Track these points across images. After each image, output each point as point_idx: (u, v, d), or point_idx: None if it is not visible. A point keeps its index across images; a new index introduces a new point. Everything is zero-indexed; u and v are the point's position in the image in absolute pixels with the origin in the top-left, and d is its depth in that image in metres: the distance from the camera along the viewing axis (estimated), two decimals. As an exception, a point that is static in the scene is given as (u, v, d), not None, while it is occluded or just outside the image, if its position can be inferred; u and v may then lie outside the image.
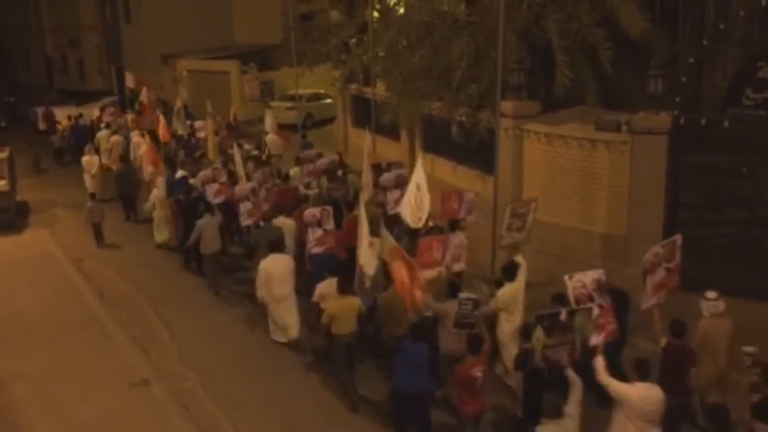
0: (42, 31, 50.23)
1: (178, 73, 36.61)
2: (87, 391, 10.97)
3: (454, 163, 16.73)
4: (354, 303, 10.12)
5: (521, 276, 10.28)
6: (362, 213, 10.22)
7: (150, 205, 17.23)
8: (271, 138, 21.76)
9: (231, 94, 33.37)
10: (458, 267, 10.92)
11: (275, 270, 11.70)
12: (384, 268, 10.02)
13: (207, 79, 34.53)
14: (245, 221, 14.41)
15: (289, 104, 29.19)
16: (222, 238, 15.02)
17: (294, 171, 17.57)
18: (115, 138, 23.32)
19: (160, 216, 16.94)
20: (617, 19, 13.87)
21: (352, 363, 10.57)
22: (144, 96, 26.37)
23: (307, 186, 16.14)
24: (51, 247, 17.94)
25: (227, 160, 18.46)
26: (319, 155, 17.26)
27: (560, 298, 8.83)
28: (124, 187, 19.61)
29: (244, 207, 14.23)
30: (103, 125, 25.50)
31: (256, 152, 20.32)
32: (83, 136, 25.42)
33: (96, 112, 28.44)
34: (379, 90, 18.48)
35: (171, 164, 19.48)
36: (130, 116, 26.24)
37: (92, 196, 18.40)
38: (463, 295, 9.46)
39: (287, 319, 11.88)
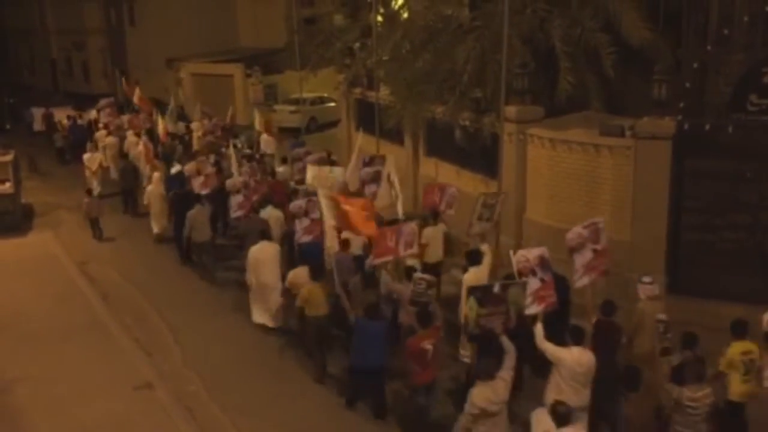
0: (47, 33, 50.38)
1: (178, 76, 36.77)
2: (90, 394, 10.98)
3: (458, 168, 16.73)
4: (325, 288, 10.96)
5: (486, 262, 11.03)
6: (322, 201, 11.71)
7: (145, 199, 18.08)
8: (265, 138, 22.45)
9: (235, 97, 33.43)
10: (409, 252, 11.44)
11: (263, 256, 12.41)
12: None
13: (211, 83, 34.62)
14: (235, 213, 15.13)
15: (292, 108, 29.25)
16: (213, 228, 15.78)
17: (281, 169, 18.30)
18: (110, 139, 23.95)
19: (156, 210, 17.75)
20: (620, 25, 13.89)
21: (323, 341, 11.07)
22: (137, 97, 27.28)
23: (299, 182, 16.66)
24: (55, 250, 17.98)
25: (221, 157, 19.32)
26: (308, 153, 18.33)
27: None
28: (126, 183, 20.60)
29: (235, 200, 15.06)
30: (101, 125, 26.02)
31: (248, 151, 20.94)
32: (83, 136, 25.90)
33: (93, 113, 28.89)
34: (383, 94, 18.50)
35: (168, 162, 20.31)
36: (126, 117, 26.82)
37: (89, 192, 18.88)
38: (417, 275, 10.48)
39: (271, 305, 12.55)
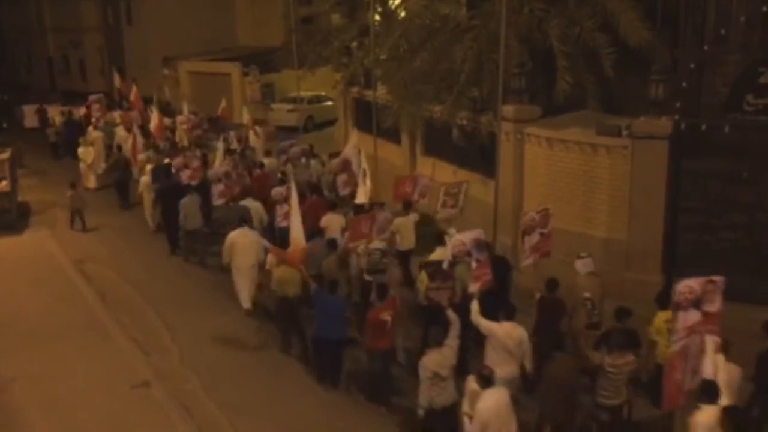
0: (44, 32, 50.25)
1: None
2: (88, 392, 10.99)
3: (455, 167, 16.74)
4: (298, 270, 11.52)
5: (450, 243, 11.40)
6: (293, 190, 12.61)
7: (140, 189, 18.83)
8: (262, 130, 23.24)
9: (232, 95, 33.41)
10: (383, 237, 12.23)
11: (241, 241, 13.15)
12: None
13: (208, 81, 34.58)
14: (217, 201, 16.11)
15: (290, 106, 29.26)
16: (204, 219, 16.39)
17: (267, 161, 19.03)
18: (95, 133, 24.46)
19: (148, 200, 18.40)
20: (618, 25, 13.91)
21: (294, 319, 11.67)
22: (133, 94, 27.79)
23: (284, 173, 17.23)
24: (52, 248, 17.95)
25: (208, 150, 20.25)
26: (292, 145, 19.37)
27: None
28: (118, 176, 21.27)
29: (216, 188, 16.05)
30: (93, 120, 26.53)
31: (236, 146, 21.41)
32: (75, 131, 26.44)
33: (83, 109, 29.24)
34: (381, 93, 18.51)
35: (161, 155, 20.86)
36: (117, 113, 27.30)
37: (72, 185, 19.35)
38: (371, 245, 11.39)
39: (244, 290, 13.31)
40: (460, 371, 9.00)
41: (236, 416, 10.19)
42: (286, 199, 13.59)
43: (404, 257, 13.34)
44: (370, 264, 11.25)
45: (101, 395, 10.88)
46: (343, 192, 16.08)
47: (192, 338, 12.62)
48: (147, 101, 27.40)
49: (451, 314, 9.07)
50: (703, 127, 11.83)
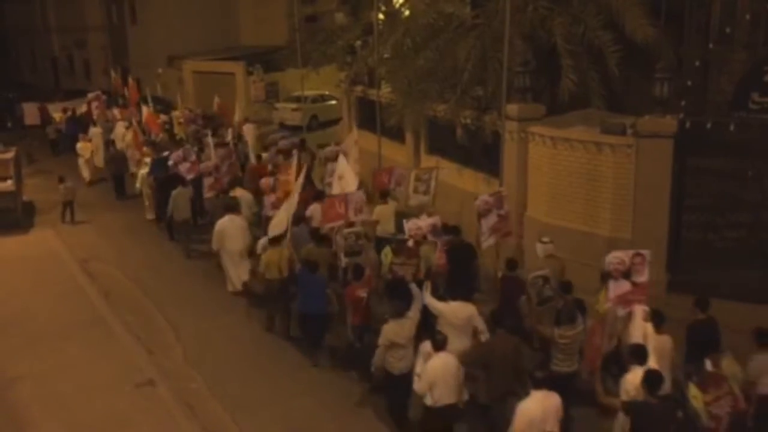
0: (48, 31, 50.39)
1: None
2: (92, 391, 11.01)
3: (459, 166, 16.72)
4: (283, 253, 12.19)
5: (406, 225, 12.13)
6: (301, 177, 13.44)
7: (138, 182, 19.89)
8: (247, 127, 23.63)
9: (236, 95, 33.45)
10: (359, 218, 12.77)
11: (229, 227, 13.85)
12: None
13: (212, 80, 34.60)
14: (207, 193, 16.83)
15: (294, 105, 29.28)
16: (192, 210, 17.23)
17: (265, 155, 20.02)
18: (94, 129, 25.64)
19: (147, 191, 19.33)
20: (622, 23, 13.87)
21: (281, 300, 12.27)
22: (128, 92, 29.23)
23: (275, 165, 17.94)
24: (56, 247, 18.01)
25: (203, 146, 20.65)
26: (283, 138, 20.78)
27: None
28: (116, 169, 22.33)
29: (207, 181, 16.79)
30: (95, 117, 27.81)
31: (228, 140, 22.07)
32: (77, 127, 27.28)
33: (84, 107, 30.23)
34: (385, 92, 18.49)
35: (158, 148, 21.87)
36: (117, 110, 28.41)
37: (60, 180, 20.19)
38: (346, 230, 11.91)
39: (231, 272, 14.07)
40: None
41: (240, 414, 10.21)
42: (273, 190, 14.53)
43: (384, 243, 13.25)
44: (347, 247, 11.76)
45: (105, 394, 10.90)
46: (329, 179, 16.47)
47: (196, 337, 12.64)
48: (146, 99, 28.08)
49: (414, 289, 9.69)
50: (708, 126, 11.80)
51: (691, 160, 12.24)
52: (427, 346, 8.73)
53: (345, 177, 13.82)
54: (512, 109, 14.04)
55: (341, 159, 14.62)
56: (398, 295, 9.78)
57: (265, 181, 15.88)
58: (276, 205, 14.07)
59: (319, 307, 11.25)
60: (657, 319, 8.66)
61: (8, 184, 19.41)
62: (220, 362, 11.74)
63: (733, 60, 12.86)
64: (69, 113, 30.02)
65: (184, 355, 12.09)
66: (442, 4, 16.95)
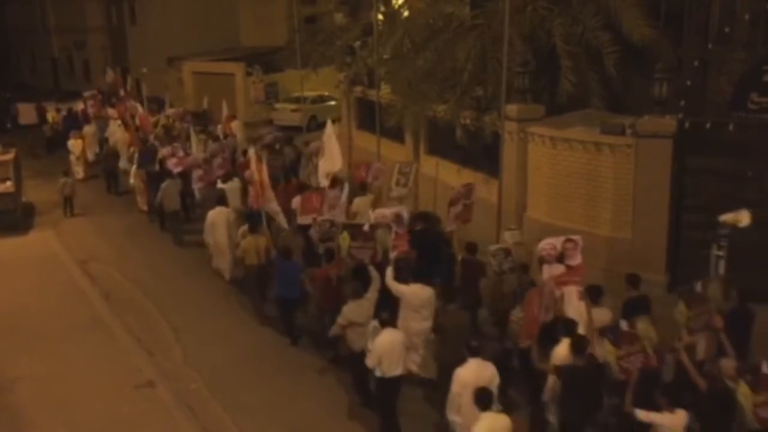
0: (48, 32, 50.36)
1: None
2: (92, 392, 11.01)
3: (459, 166, 16.72)
4: (261, 240, 12.94)
5: (372, 214, 12.85)
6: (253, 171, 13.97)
7: (131, 177, 20.53)
8: (235, 124, 24.55)
9: (236, 95, 33.44)
10: (332, 213, 13.28)
11: (218, 218, 14.43)
12: None
13: (212, 81, 34.60)
14: (196, 185, 17.53)
15: (293, 106, 29.26)
16: (183, 201, 18.13)
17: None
18: (88, 128, 26.62)
19: (138, 185, 20.09)
20: (621, 24, 13.88)
21: (261, 286, 13.09)
22: (122, 91, 30.26)
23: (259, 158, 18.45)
24: (56, 248, 18.00)
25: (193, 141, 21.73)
26: (269, 133, 21.72)
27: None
28: (108, 166, 23.14)
29: (196, 173, 17.54)
30: (91, 115, 28.64)
31: (218, 135, 23.28)
32: (72, 126, 27.84)
33: (80, 105, 31.16)
34: (384, 92, 18.50)
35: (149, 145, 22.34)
36: (110, 109, 29.09)
37: (65, 173, 21.07)
38: (319, 218, 12.64)
39: (222, 263, 14.66)
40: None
41: (241, 416, 10.20)
42: (251, 183, 14.88)
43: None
44: (321, 233, 12.29)
45: (105, 395, 10.90)
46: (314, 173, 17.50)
47: (196, 338, 12.64)
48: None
49: (373, 271, 10.44)
50: (708, 126, 11.82)
51: (691, 160, 12.26)
52: (374, 323, 9.43)
53: (331, 152, 15.43)
54: (512, 109, 14.05)
55: (328, 129, 16.24)
56: (359, 277, 10.50)
57: (249, 174, 16.08)
58: (255, 200, 14.37)
59: (293, 291, 11.91)
60: (594, 293, 9.25)
61: (8, 186, 19.40)
62: (220, 363, 11.73)
63: (733, 60, 12.86)
64: (64, 112, 30.90)
65: (184, 356, 12.09)
66: (441, 5, 16.98)
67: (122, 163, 22.96)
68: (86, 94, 30.60)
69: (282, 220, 14.04)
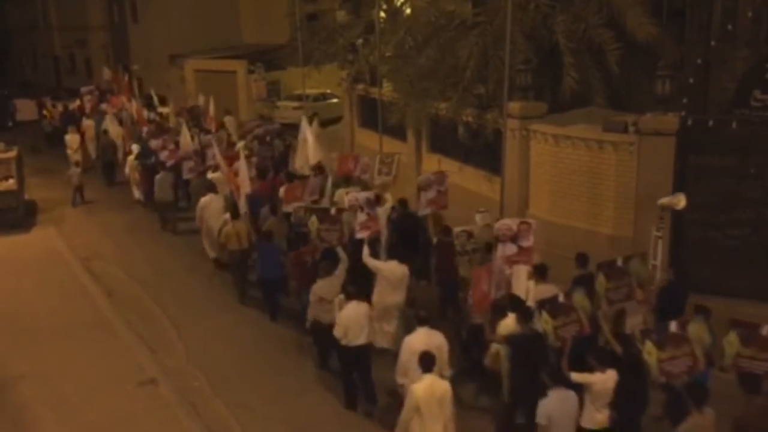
0: (50, 30, 50.36)
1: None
2: (94, 390, 11.02)
3: (461, 164, 16.74)
4: (242, 227, 13.77)
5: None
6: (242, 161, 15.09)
7: (127, 169, 21.28)
8: (228, 119, 24.71)
9: (238, 93, 33.40)
10: (313, 197, 14.24)
11: (210, 206, 15.28)
12: None
13: (214, 79, 34.58)
14: (186, 175, 18.26)
15: (295, 104, 29.23)
16: (175, 193, 18.65)
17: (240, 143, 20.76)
18: (87, 122, 27.10)
19: (134, 177, 20.69)
20: (624, 21, 13.87)
21: (243, 270, 13.98)
22: (116, 88, 30.80)
23: (250, 150, 19.10)
24: (58, 246, 18.00)
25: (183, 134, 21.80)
26: (258, 126, 22.46)
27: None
28: (106, 157, 23.89)
29: (187, 165, 18.16)
30: (87, 111, 29.24)
31: (211, 128, 23.47)
32: (70, 121, 28.39)
33: (77, 101, 31.49)
34: (386, 90, 18.49)
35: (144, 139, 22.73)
36: (106, 105, 29.33)
37: (77, 164, 22.05)
38: (295, 204, 13.45)
39: (207, 244, 15.58)
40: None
41: (243, 413, 10.21)
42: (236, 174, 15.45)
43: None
44: (296, 219, 13.10)
45: (108, 392, 10.91)
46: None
47: (198, 335, 12.64)
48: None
49: (341, 252, 11.16)
50: (710, 123, 11.79)
51: (693, 158, 12.22)
52: (341, 297, 10.13)
53: (303, 150, 16.41)
54: (514, 107, 14.04)
55: (303, 125, 17.00)
56: (329, 258, 11.21)
57: (237, 165, 16.76)
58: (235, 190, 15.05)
59: (274, 272, 12.76)
60: (541, 271, 9.96)
61: (10, 183, 19.40)
62: (222, 361, 11.74)
63: (735, 57, 12.86)
64: (61, 108, 31.57)
65: (187, 353, 12.09)
66: (443, 3, 16.99)
67: (120, 156, 23.71)
68: (84, 89, 31.05)
69: (242, 205, 14.66)
